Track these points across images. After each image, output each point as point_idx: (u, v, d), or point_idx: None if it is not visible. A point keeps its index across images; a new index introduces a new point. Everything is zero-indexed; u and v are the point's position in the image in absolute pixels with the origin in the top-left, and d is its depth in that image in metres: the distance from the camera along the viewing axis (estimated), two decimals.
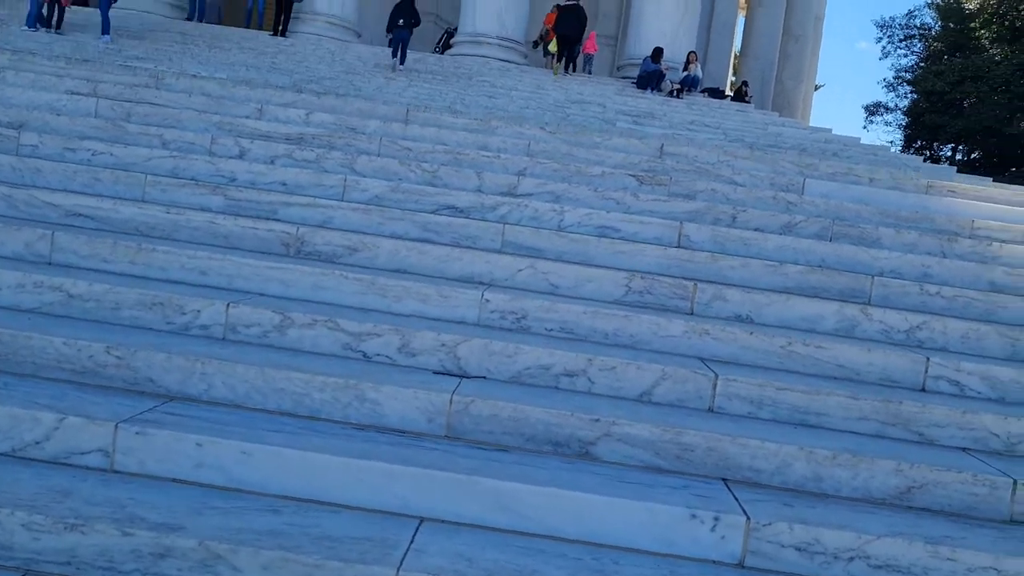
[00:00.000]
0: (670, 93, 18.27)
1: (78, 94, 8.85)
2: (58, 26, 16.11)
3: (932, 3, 32.60)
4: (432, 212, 7.17)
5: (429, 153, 8.28)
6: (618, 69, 20.27)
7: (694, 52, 18.99)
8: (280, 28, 18.07)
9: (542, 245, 6.72)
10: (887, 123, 35.51)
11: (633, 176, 8.33)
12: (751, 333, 5.49)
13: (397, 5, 18.73)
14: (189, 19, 19.59)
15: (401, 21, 17.84)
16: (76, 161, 7.36)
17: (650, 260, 6.65)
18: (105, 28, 15.92)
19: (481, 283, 6.06)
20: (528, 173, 8.23)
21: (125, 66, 14.12)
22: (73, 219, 6.25)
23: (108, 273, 5.54)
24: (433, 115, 9.55)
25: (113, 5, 17.08)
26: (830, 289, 6.62)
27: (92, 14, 17.45)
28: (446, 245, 6.52)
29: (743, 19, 28.37)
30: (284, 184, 7.32)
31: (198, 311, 5.03)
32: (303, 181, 7.33)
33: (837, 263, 7.13)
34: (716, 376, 4.91)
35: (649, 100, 17.74)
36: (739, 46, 29.43)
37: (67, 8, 16.45)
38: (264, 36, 19.14)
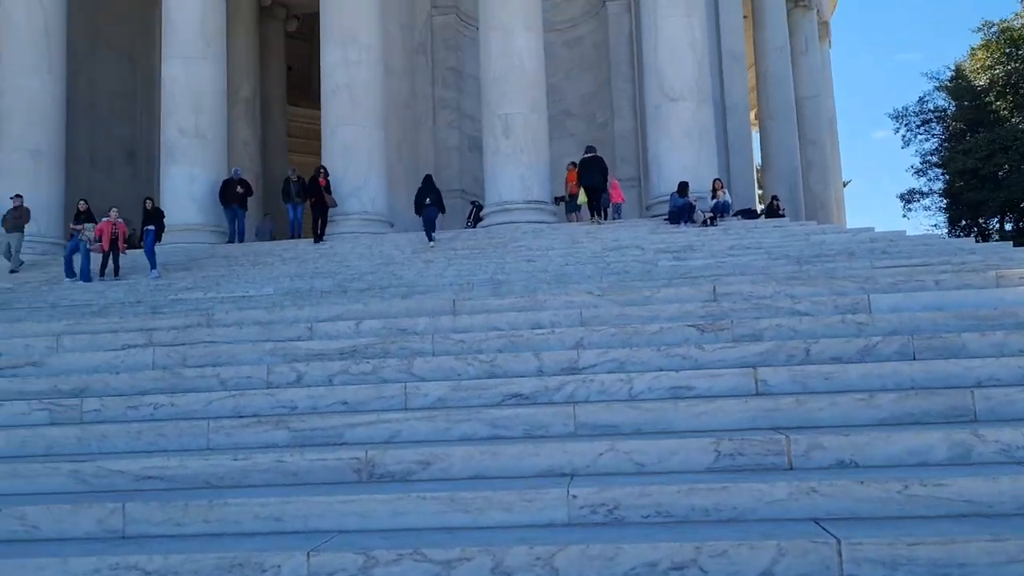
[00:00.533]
0: (704, 223, 18.23)
1: (134, 347, 8.95)
2: (115, 273, 16.77)
3: (941, 86, 32.84)
4: (497, 405, 6.93)
5: (483, 342, 8.14)
6: (647, 209, 20.40)
7: (719, 179, 19.07)
8: (319, 233, 18.71)
9: (617, 420, 6.41)
10: (926, 208, 35.15)
11: (693, 326, 8.08)
12: (862, 482, 5.05)
13: (420, 188, 19.66)
14: (230, 241, 20.24)
15: (428, 200, 18.95)
16: (139, 419, 7.32)
17: (733, 416, 6.29)
18: (152, 264, 16.49)
19: (563, 474, 5.73)
20: (586, 344, 8.02)
21: (176, 300, 14.44)
22: (143, 483, 6.11)
23: (183, 538, 5.32)
24: (480, 301, 9.49)
25: (158, 242, 17.73)
26: (930, 412, 6.17)
27: (140, 255, 18.10)
28: (518, 440, 6.24)
29: (757, 134, 28.76)
30: (345, 403, 7.17)
31: (279, 566, 4.76)
32: (363, 397, 7.19)
33: (928, 381, 6.70)
34: (838, 542, 4.47)
35: (685, 233, 17.70)
36: (758, 159, 29.68)
37: (122, 253, 17.06)
38: (303, 244, 19.66)
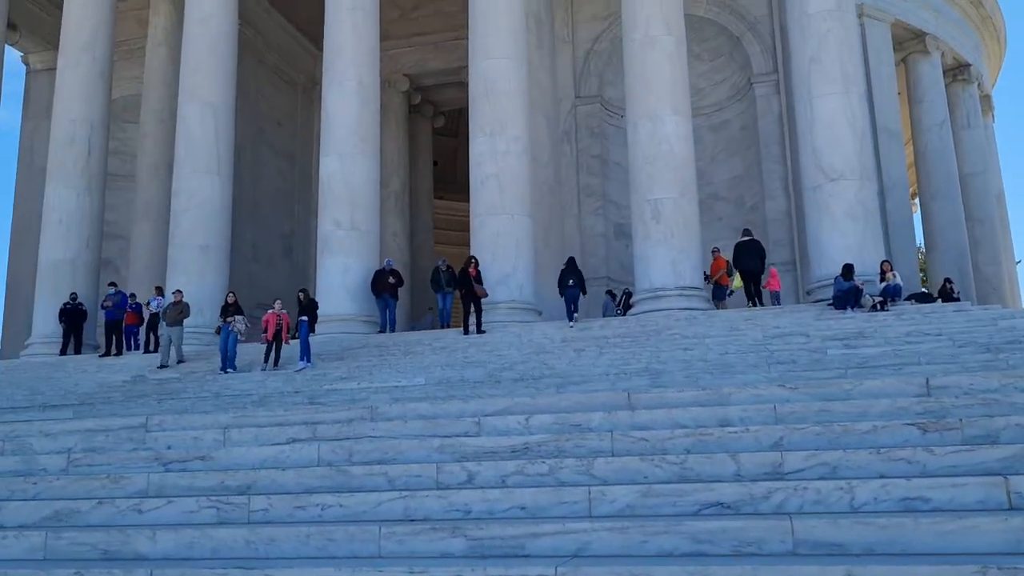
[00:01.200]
0: (873, 308, 16.83)
1: (299, 441, 8.58)
2: (275, 363, 16.82)
3: None
4: (695, 514, 6.07)
5: (668, 440, 7.31)
6: (807, 294, 19.14)
7: (887, 261, 17.69)
8: (473, 323, 18.17)
9: (843, 538, 5.41)
10: None
11: (912, 425, 6.99)
12: None
13: (563, 269, 19.52)
14: (381, 331, 20.19)
15: (571, 282, 19.04)
16: (307, 520, 6.83)
17: (990, 536, 5.20)
18: (304, 355, 16.43)
19: None
20: (787, 444, 7.06)
21: (332, 390, 14.23)
22: None
23: None
24: (656, 394, 8.67)
25: (311, 333, 17.73)
26: None
27: (295, 345, 18.24)
28: (728, 558, 5.35)
29: (917, 215, 27.03)
30: (523, 508, 6.47)
31: None
32: (543, 501, 6.46)
33: None
34: None
35: (853, 319, 16.37)
36: (919, 240, 27.83)
37: (286, 343, 17.15)
38: (452, 333, 19.38)
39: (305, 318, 17.37)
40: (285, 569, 5.75)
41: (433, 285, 20.62)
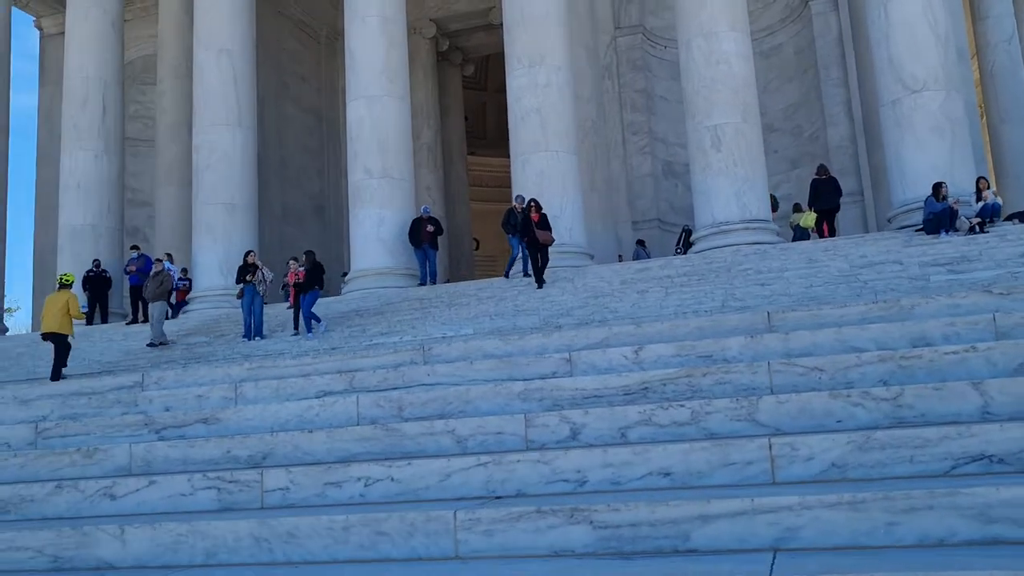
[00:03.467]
0: (971, 230, 14.11)
1: (332, 394, 6.16)
2: (296, 326, 14.13)
3: None
4: (954, 476, 3.63)
5: (853, 368, 4.82)
6: (888, 221, 16.40)
7: (983, 178, 14.95)
8: (536, 275, 15.03)
9: None
10: None
11: None
12: None
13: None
14: (422, 283, 17.79)
15: None
16: (343, 502, 4.46)
17: None
18: (309, 326, 13.86)
19: None
20: None
21: (373, 345, 11.94)
22: None
23: None
24: (804, 313, 6.14)
25: (318, 299, 14.95)
26: None
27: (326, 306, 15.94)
28: None
29: (985, 138, 24.02)
30: (667, 475, 4.05)
31: None
32: (697, 464, 4.03)
33: None
34: None
35: (949, 243, 13.69)
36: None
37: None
38: (497, 281, 16.97)
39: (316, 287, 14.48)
40: None
41: (507, 227, 16.46)
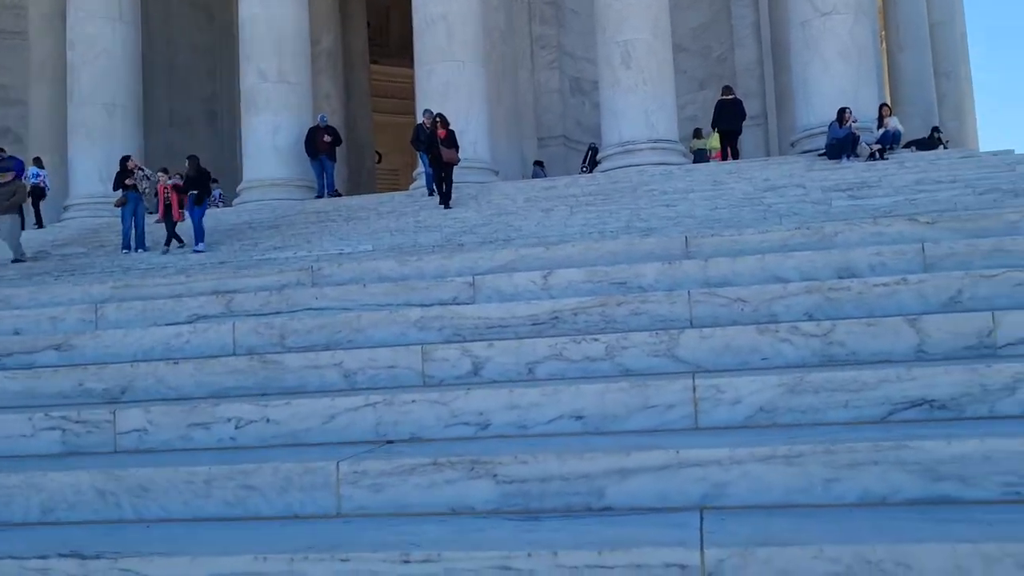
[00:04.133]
0: (871, 156, 14.09)
1: (206, 318, 5.40)
2: (167, 243, 12.70)
3: None
4: (888, 419, 3.26)
5: (778, 300, 4.38)
6: (791, 146, 16.28)
7: (886, 105, 14.94)
8: (442, 196, 13.92)
9: None
10: None
11: None
12: None
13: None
14: (319, 196, 16.78)
15: None
16: (211, 446, 3.80)
17: None
18: (199, 236, 12.53)
19: None
20: (970, 299, 4.25)
21: (264, 260, 11.06)
22: None
23: None
24: (724, 238, 5.68)
25: (208, 211, 13.69)
26: None
27: (215, 218, 14.79)
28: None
29: (883, 65, 24.20)
30: (580, 419, 3.55)
31: None
32: (612, 405, 3.55)
33: None
34: None
35: (850, 169, 13.65)
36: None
37: (177, 222, 12.88)
38: (399, 196, 16.19)
39: (195, 192, 13.04)
40: (161, 557, 2.77)
41: (415, 144, 15.01)
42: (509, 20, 19.76)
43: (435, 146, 13.69)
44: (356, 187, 23.24)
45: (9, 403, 4.43)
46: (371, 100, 26.96)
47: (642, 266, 5.04)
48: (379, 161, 25.86)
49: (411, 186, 16.55)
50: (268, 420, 3.78)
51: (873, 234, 5.34)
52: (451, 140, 13.88)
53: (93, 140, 16.99)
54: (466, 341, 4.37)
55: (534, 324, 4.57)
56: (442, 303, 5.02)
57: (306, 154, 16.71)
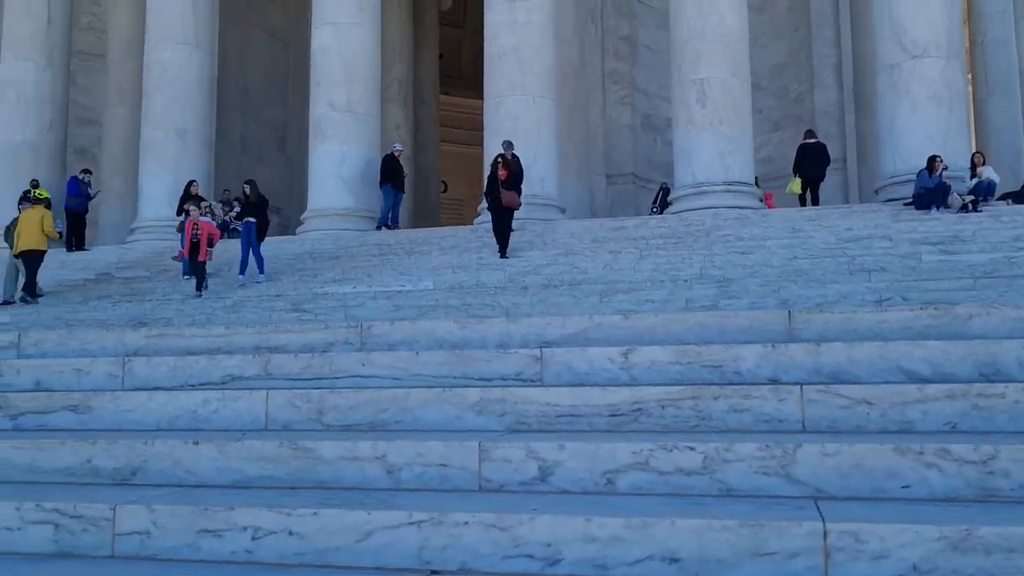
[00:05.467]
0: (963, 208, 12.94)
1: (240, 379, 4.74)
2: (198, 288, 11.37)
3: None
4: None
5: (913, 404, 3.51)
6: (876, 192, 15.17)
7: (979, 153, 13.79)
8: (501, 244, 12.47)
9: None
10: None
11: None
12: None
13: None
14: (383, 226, 16.25)
15: None
16: (223, 558, 3.10)
17: None
18: (260, 267, 12.03)
19: None
20: None
21: (322, 294, 10.55)
22: None
23: None
24: (834, 315, 4.77)
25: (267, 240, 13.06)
26: None
27: (277, 246, 14.41)
28: None
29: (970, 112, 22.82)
30: (674, 561, 2.75)
31: None
32: (716, 547, 2.74)
33: None
34: None
35: (940, 221, 12.52)
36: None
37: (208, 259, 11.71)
38: (463, 231, 15.56)
39: (253, 220, 12.28)
40: None
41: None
42: (582, 55, 19.14)
43: (495, 188, 12.53)
44: (420, 217, 22.83)
45: (10, 477, 3.81)
46: (439, 130, 26.65)
47: (740, 347, 4.20)
48: (444, 191, 25.45)
49: (475, 220, 15.90)
50: (291, 532, 3.07)
51: (1016, 320, 4.42)
52: (513, 181, 12.69)
53: (163, 164, 16.83)
54: (532, 432, 3.61)
55: (612, 415, 3.78)
56: (503, 379, 4.26)
57: (379, 183, 16.22)
